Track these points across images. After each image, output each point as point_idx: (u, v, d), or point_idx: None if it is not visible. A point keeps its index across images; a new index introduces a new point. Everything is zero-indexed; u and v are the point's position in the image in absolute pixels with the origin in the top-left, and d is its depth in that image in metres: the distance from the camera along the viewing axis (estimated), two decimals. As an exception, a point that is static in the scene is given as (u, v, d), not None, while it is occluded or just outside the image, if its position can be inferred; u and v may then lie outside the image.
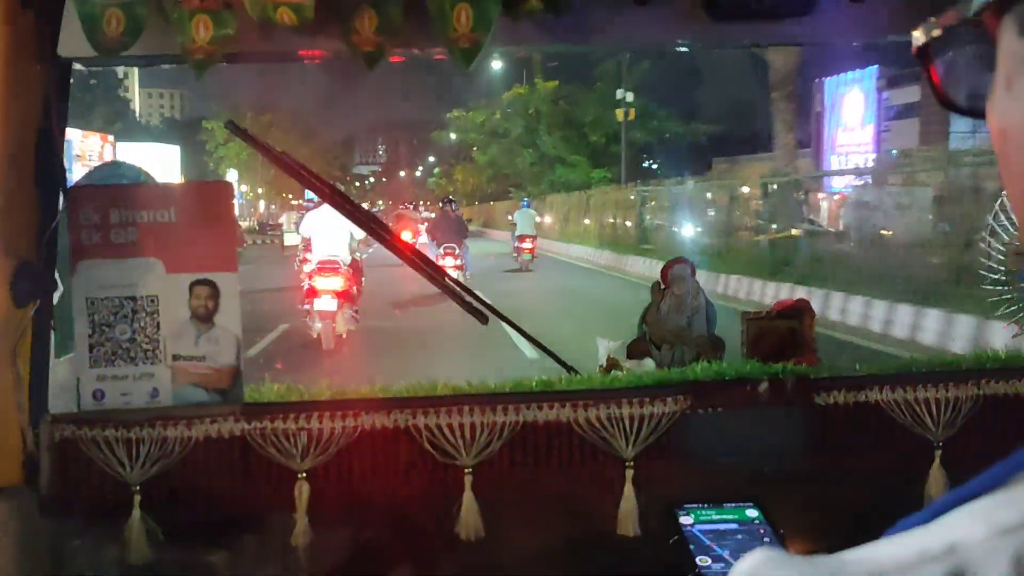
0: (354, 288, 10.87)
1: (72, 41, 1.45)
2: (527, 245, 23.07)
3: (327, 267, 10.53)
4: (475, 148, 52.85)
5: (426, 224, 20.06)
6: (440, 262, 16.63)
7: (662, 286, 1.90)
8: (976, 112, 0.54)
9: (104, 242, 1.53)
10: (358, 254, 11.25)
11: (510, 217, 28.51)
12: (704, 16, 1.53)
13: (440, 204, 21.18)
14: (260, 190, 53.27)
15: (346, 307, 10.68)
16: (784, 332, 1.89)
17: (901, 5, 1.55)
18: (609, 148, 41.35)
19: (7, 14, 1.39)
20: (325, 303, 10.38)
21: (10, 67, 1.40)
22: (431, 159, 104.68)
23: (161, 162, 44.67)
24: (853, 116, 29.24)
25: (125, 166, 1.64)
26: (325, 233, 10.74)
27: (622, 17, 1.54)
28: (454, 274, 11.60)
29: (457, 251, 16.76)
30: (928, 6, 1.56)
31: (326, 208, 10.35)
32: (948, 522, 0.40)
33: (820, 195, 23.11)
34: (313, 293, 10.45)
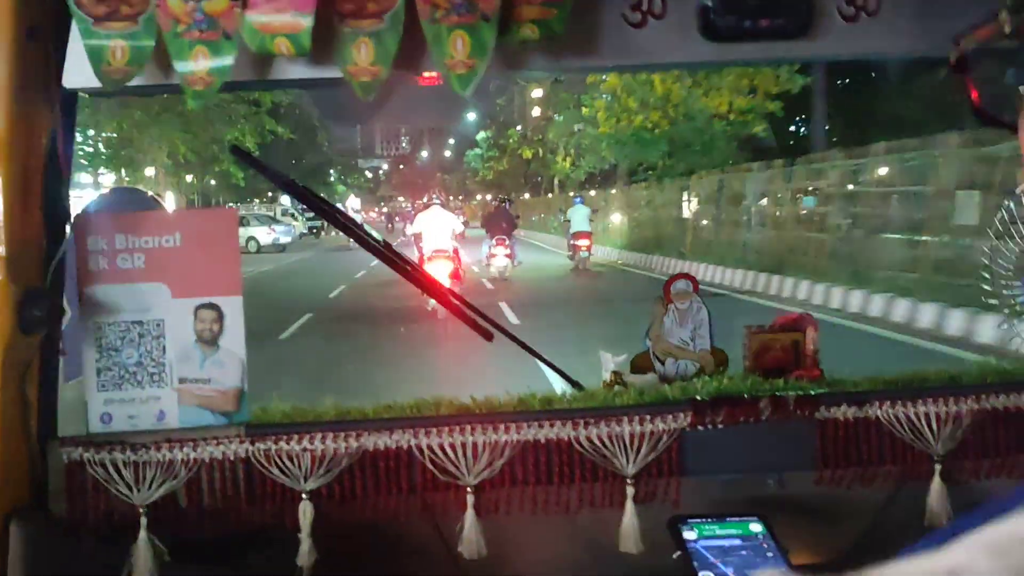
0: (460, 270, 13.86)
1: (77, 72, 1.47)
2: (584, 243, 22.52)
3: (439, 254, 13.43)
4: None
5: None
6: (493, 251, 19.74)
7: (665, 301, 1.91)
8: (1012, 126, 0.53)
9: (111, 268, 1.56)
10: (455, 243, 14.11)
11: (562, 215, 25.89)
12: (700, 38, 1.53)
13: (496, 201, 27.58)
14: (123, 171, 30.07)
15: (455, 286, 12.73)
16: (787, 345, 1.89)
17: (894, 25, 1.55)
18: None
19: (13, 46, 1.41)
20: None
21: (16, 98, 1.43)
22: (470, 116, 70.74)
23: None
24: None
25: (132, 192, 1.67)
26: (435, 228, 13.53)
27: (619, 40, 1.54)
28: (504, 262, 16.04)
29: (507, 241, 19.75)
30: (918, 26, 1.56)
31: (435, 209, 14.04)
32: (955, 546, 0.40)
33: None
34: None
